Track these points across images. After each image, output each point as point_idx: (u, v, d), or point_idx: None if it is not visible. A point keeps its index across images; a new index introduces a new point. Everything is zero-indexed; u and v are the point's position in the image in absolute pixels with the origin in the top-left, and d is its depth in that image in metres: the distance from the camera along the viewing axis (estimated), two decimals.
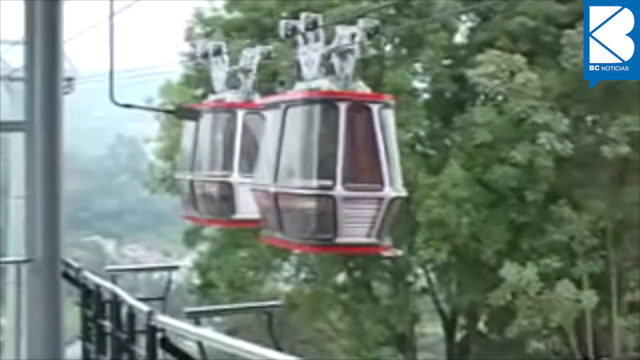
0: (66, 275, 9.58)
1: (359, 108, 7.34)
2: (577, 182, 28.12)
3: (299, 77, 7.71)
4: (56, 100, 9.59)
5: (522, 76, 26.80)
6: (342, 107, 7.24)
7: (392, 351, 33.02)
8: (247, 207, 8.83)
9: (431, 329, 36.73)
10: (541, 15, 28.29)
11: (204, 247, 33.72)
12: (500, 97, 28.17)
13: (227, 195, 9.30)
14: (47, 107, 9.52)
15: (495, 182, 27.74)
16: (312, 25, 7.52)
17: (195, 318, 7.11)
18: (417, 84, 31.02)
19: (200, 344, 6.53)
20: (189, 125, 9.94)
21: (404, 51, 30.90)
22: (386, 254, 7.46)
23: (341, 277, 32.74)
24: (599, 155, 26.58)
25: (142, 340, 7.46)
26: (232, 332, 26.45)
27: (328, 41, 7.55)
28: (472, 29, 31.56)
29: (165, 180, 31.42)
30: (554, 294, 26.80)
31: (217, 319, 31.21)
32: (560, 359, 29.76)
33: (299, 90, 7.66)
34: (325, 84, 7.43)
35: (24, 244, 9.93)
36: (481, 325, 32.89)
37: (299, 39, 7.64)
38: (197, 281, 33.89)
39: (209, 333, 6.91)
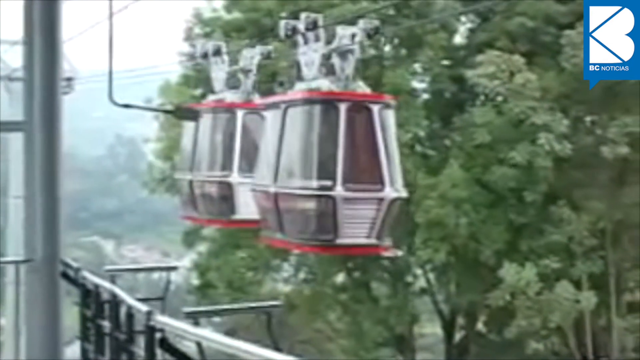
0: (65, 275, 9.58)
1: (360, 108, 7.33)
2: (576, 182, 28.13)
3: (299, 77, 7.70)
4: (55, 101, 9.58)
5: (521, 77, 26.81)
6: (343, 107, 7.23)
7: (391, 351, 33.02)
8: (247, 208, 8.82)
9: (430, 329, 36.73)
10: (541, 15, 28.29)
11: (203, 247, 33.72)
12: (499, 98, 28.17)
13: (227, 195, 9.29)
14: (46, 107, 9.51)
15: (494, 182, 27.75)
16: (313, 26, 7.51)
17: (194, 318, 7.10)
18: (417, 85, 31.03)
19: (199, 344, 6.53)
20: (189, 125, 9.92)
21: (403, 51, 30.90)
22: (386, 254, 7.45)
23: (340, 278, 32.74)
24: (598, 155, 26.58)
25: (141, 341, 7.45)
26: (231, 333, 26.43)
27: (328, 41, 7.54)
28: (471, 30, 31.57)
29: (164, 181, 31.43)
30: (553, 295, 26.81)
31: (216, 319, 31.19)
32: (559, 359, 29.76)
33: (299, 90, 7.65)
34: (325, 84, 7.42)
35: (23, 244, 9.93)
36: (480, 326, 32.89)
37: (299, 39, 7.63)
38: (196, 281, 33.88)
39: (208, 333, 6.90)
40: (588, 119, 29.59)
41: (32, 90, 9.57)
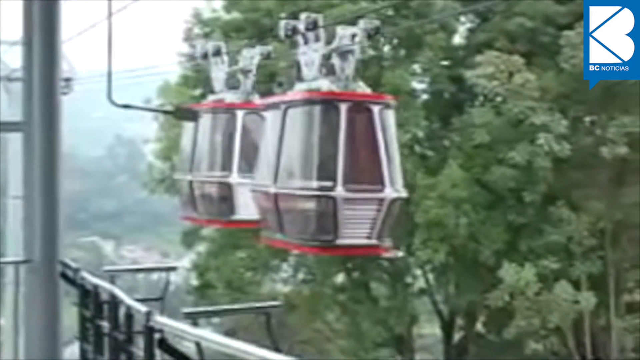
0: (64, 276, 9.58)
1: (360, 109, 7.31)
2: (575, 183, 28.14)
3: (299, 78, 7.68)
4: (54, 101, 9.59)
5: (520, 77, 26.82)
6: (343, 107, 7.21)
7: (390, 352, 33.02)
8: (247, 208, 8.81)
9: (429, 329, 36.73)
10: (540, 16, 28.31)
11: (202, 247, 33.72)
12: (498, 98, 28.18)
13: (226, 196, 9.28)
14: (45, 108, 9.51)
15: (493, 182, 27.76)
16: (313, 26, 7.50)
17: (194, 319, 7.09)
18: (416, 85, 31.03)
19: (198, 345, 6.51)
20: (189, 125, 9.91)
21: (402, 52, 30.91)
22: (387, 255, 7.44)
23: (340, 278, 32.74)
24: (598, 156, 26.59)
25: (140, 341, 7.44)
26: (230, 333, 26.43)
27: (328, 42, 7.53)
28: (470, 30, 31.58)
29: (163, 181, 31.44)
30: (552, 295, 26.82)
31: (216, 319, 31.21)
32: (558, 359, 29.76)
33: (299, 90, 7.64)
34: (325, 84, 7.41)
35: (22, 244, 9.93)
36: (479, 326, 32.90)
37: (299, 39, 7.62)
38: (195, 282, 33.88)
39: (207, 334, 6.89)
40: (587, 119, 29.60)
41: (31, 90, 9.58)
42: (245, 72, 9.45)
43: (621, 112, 26.82)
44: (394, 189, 7.30)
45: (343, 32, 7.44)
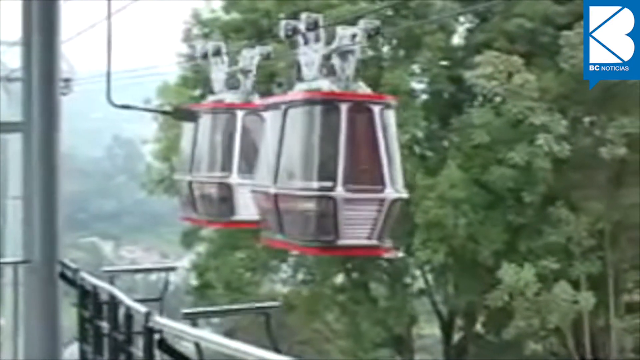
0: (63, 276, 9.56)
1: (360, 109, 7.31)
2: (574, 183, 28.14)
3: (299, 78, 7.68)
4: (54, 101, 9.57)
5: (519, 77, 26.80)
6: (343, 107, 7.21)
7: (390, 352, 33.01)
8: (246, 209, 8.81)
9: (428, 330, 36.72)
10: (539, 16, 28.29)
11: (201, 248, 33.72)
12: (498, 99, 28.16)
13: (226, 196, 9.28)
14: (44, 108, 9.50)
15: (493, 183, 27.74)
16: (313, 26, 7.49)
17: (193, 319, 7.08)
18: (415, 85, 31.01)
19: (197, 345, 6.50)
20: (188, 126, 9.90)
21: (401, 52, 30.90)
22: (387, 255, 7.44)
23: (339, 279, 32.73)
24: (597, 156, 26.59)
25: (139, 342, 7.42)
26: (229, 333, 26.42)
27: (328, 42, 7.52)
28: (469, 30, 31.56)
29: (162, 182, 31.43)
30: (552, 295, 26.81)
31: (215, 320, 31.19)
32: None
33: (299, 91, 7.63)
34: (326, 84, 7.40)
35: (22, 245, 9.92)
36: (478, 327, 32.89)
37: (300, 39, 7.61)
38: (194, 282, 33.87)
39: (206, 334, 6.88)
40: (586, 119, 29.59)
41: (31, 91, 9.57)
42: (245, 73, 9.45)
43: (620, 113, 26.82)
44: (394, 190, 7.30)
45: (343, 32, 7.43)
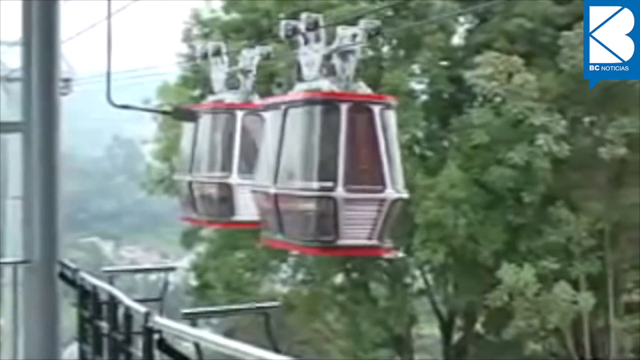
0: (63, 276, 9.56)
1: (361, 109, 7.30)
2: (574, 183, 28.14)
3: (299, 78, 7.67)
4: (53, 101, 9.58)
5: (519, 77, 26.81)
6: (344, 108, 7.20)
7: (389, 352, 33.02)
8: (246, 209, 8.81)
9: (428, 330, 36.72)
10: (539, 16, 28.30)
11: (201, 248, 33.72)
12: (497, 99, 28.16)
13: (226, 196, 9.27)
14: (44, 108, 9.50)
15: (492, 183, 27.75)
16: (314, 26, 7.49)
17: (192, 319, 7.07)
18: (415, 86, 31.02)
19: (197, 346, 6.50)
20: (188, 126, 9.90)
21: (401, 52, 30.91)
22: (387, 255, 7.44)
23: (339, 279, 32.74)
24: (596, 156, 26.59)
25: (139, 342, 7.42)
26: (229, 334, 26.42)
27: (328, 42, 7.52)
28: (469, 31, 31.57)
29: (162, 182, 31.44)
30: (551, 295, 26.81)
31: (215, 320, 31.19)
32: None
33: (299, 91, 7.63)
34: (326, 84, 7.40)
35: (21, 245, 9.92)
36: (478, 327, 32.89)
37: (300, 39, 7.61)
38: (194, 282, 33.88)
39: (206, 334, 6.87)
40: (586, 119, 29.59)
41: (30, 91, 9.57)
42: (245, 73, 9.44)
43: (620, 113, 26.82)
44: (394, 190, 7.29)
45: (344, 32, 7.43)
